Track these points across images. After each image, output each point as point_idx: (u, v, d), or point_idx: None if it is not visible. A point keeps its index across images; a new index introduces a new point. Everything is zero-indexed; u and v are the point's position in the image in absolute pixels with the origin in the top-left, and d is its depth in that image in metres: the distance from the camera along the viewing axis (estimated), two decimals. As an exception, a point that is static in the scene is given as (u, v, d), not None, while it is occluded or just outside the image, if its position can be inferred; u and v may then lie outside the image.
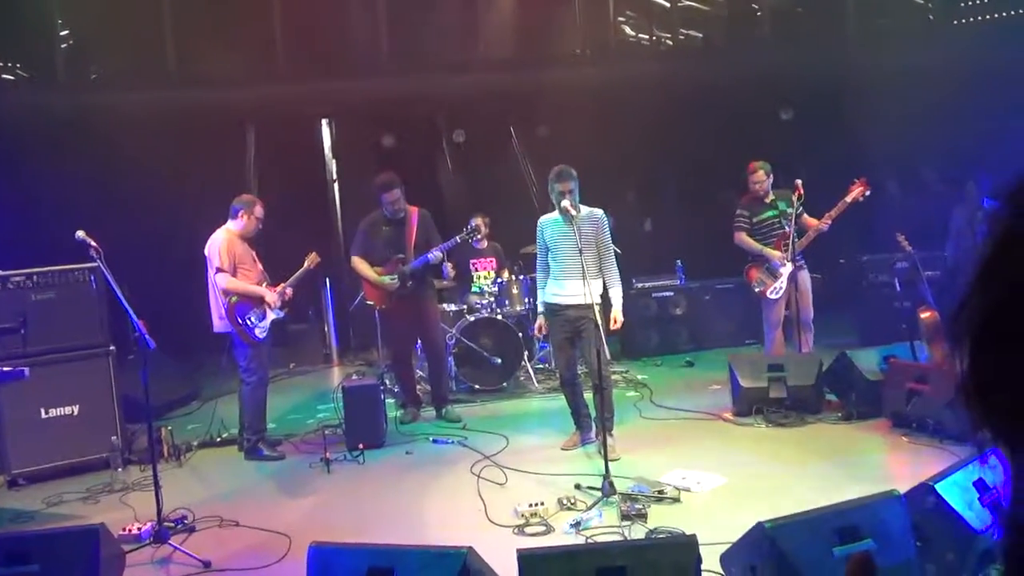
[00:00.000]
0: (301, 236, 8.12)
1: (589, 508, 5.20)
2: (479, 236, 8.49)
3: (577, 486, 5.61)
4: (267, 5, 10.25)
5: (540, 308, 6.54)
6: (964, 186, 9.12)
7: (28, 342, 6.35)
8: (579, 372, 6.73)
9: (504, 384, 8.41)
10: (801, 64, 10.09)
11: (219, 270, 6.52)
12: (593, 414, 6.48)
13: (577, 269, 5.94)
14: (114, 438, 6.52)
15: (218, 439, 7.24)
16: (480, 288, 8.73)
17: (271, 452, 6.82)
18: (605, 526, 4.96)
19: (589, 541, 4.71)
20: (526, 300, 8.55)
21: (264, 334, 6.67)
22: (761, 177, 7.56)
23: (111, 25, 9.52)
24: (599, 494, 5.31)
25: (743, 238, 7.66)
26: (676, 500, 5.31)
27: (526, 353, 8.50)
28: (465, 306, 8.59)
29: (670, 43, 11.43)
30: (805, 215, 7.50)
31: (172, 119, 9.20)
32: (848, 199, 7.32)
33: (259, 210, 6.79)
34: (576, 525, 4.94)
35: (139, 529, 5.16)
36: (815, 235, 7.39)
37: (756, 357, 7.62)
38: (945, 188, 9.83)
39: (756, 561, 3.62)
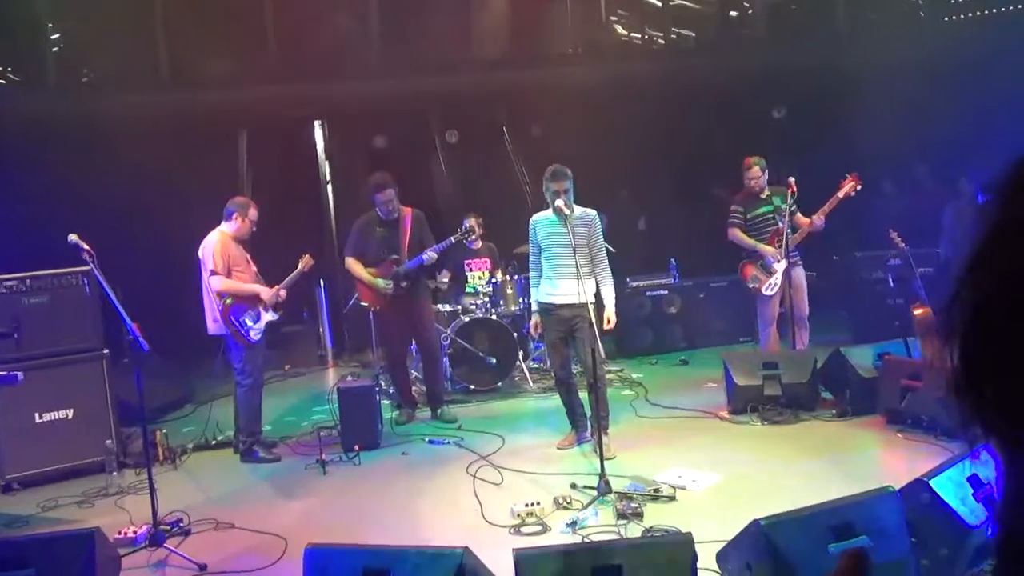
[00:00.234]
0: (294, 238, 8.13)
1: (585, 507, 5.20)
2: (473, 237, 8.49)
3: (573, 485, 5.62)
4: (259, 7, 10.23)
5: (534, 307, 6.54)
6: (956, 182, 9.15)
7: (21, 346, 6.32)
8: (574, 371, 6.74)
9: (499, 384, 8.41)
10: (793, 62, 10.10)
11: (213, 272, 6.51)
12: (588, 413, 6.48)
13: (571, 268, 5.94)
14: (109, 442, 6.50)
15: (213, 442, 7.23)
16: (474, 288, 8.73)
17: (266, 454, 6.82)
18: (601, 525, 4.97)
19: (585, 540, 4.71)
20: (520, 300, 8.55)
21: (259, 336, 6.66)
22: (757, 173, 7.57)
23: (102, 28, 9.50)
24: (595, 493, 5.31)
25: (736, 234, 7.68)
26: (672, 498, 5.32)
27: (521, 353, 8.50)
28: (460, 306, 8.59)
29: (662, 42, 11.44)
30: (799, 214, 7.52)
31: (164, 122, 9.18)
32: (840, 194, 7.35)
33: (253, 212, 6.78)
34: (572, 524, 4.95)
35: (135, 532, 5.15)
36: (809, 231, 7.41)
37: (751, 355, 7.63)
38: (937, 184, 9.86)
39: (752, 558, 3.62)
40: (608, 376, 7.73)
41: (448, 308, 8.59)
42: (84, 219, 6.05)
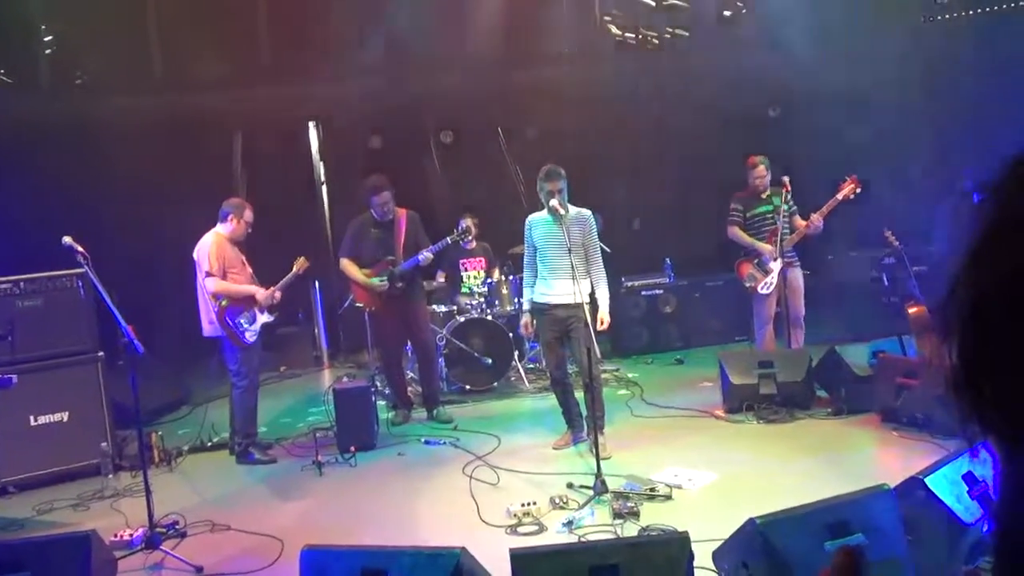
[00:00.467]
0: (289, 239, 8.11)
1: (581, 507, 5.21)
2: (469, 237, 8.49)
3: (569, 485, 5.63)
4: (252, 8, 10.22)
5: (526, 306, 6.54)
6: (950, 181, 9.16)
7: (16, 349, 6.32)
8: (569, 371, 6.74)
9: (495, 384, 8.42)
10: (787, 60, 10.11)
11: (208, 274, 6.50)
12: (584, 413, 6.49)
13: (566, 268, 5.95)
14: (104, 444, 6.50)
15: (209, 444, 7.23)
16: (470, 288, 8.73)
17: (262, 456, 6.81)
18: (597, 524, 4.98)
19: (582, 540, 4.72)
20: (516, 300, 8.55)
21: (254, 337, 6.65)
22: (763, 172, 7.56)
23: (95, 30, 9.46)
24: (591, 493, 5.33)
25: (735, 232, 7.68)
26: (668, 497, 5.33)
27: (516, 353, 8.50)
28: (455, 307, 8.59)
29: (656, 41, 11.44)
30: (797, 217, 7.54)
31: (158, 124, 9.16)
32: (840, 196, 7.36)
33: (248, 214, 6.77)
34: (569, 524, 4.96)
35: (130, 535, 5.14)
36: (806, 231, 7.42)
37: (746, 354, 7.64)
38: (931, 183, 9.87)
39: (748, 557, 3.63)
40: (604, 376, 7.75)
41: (443, 308, 8.59)
42: (78, 221, 6.05)
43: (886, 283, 8.66)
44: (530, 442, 6.81)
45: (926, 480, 3.93)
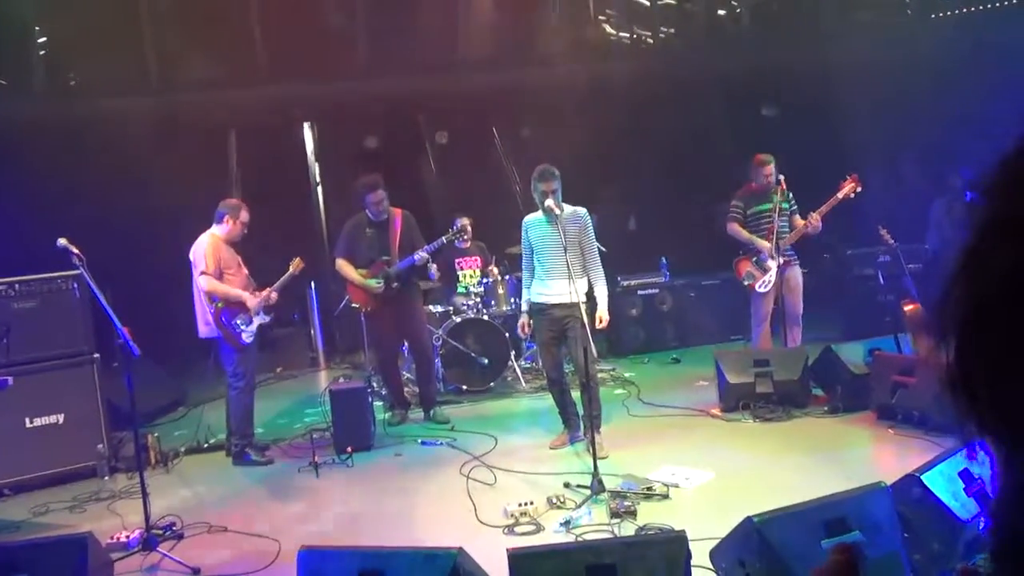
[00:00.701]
0: (285, 240, 8.11)
1: (578, 506, 5.21)
2: (466, 236, 8.49)
3: (566, 485, 5.63)
4: (246, 9, 10.21)
5: (524, 307, 6.54)
6: (944, 178, 9.19)
7: (11, 351, 6.30)
8: (566, 371, 6.74)
9: (492, 384, 8.42)
10: (781, 59, 10.13)
11: (203, 273, 6.48)
12: (581, 412, 6.49)
13: (562, 268, 5.95)
14: (100, 446, 6.49)
15: (205, 445, 7.22)
16: (466, 288, 8.72)
17: (259, 457, 6.80)
18: (595, 524, 4.98)
19: (579, 539, 4.71)
20: (512, 300, 8.56)
21: (251, 338, 6.65)
22: (772, 171, 7.55)
23: (89, 32, 9.45)
24: (588, 492, 5.32)
25: (735, 228, 7.69)
26: (665, 496, 5.33)
27: (513, 353, 8.50)
28: (451, 307, 8.58)
29: (650, 41, 11.46)
30: (797, 216, 7.55)
31: (152, 125, 9.16)
32: (840, 195, 7.38)
33: (245, 215, 6.76)
34: (566, 524, 4.95)
35: (127, 537, 5.13)
36: (804, 230, 7.43)
37: (742, 353, 7.65)
38: (925, 181, 9.90)
39: (745, 555, 3.63)
40: (600, 375, 7.75)
41: (440, 309, 8.59)
42: (73, 223, 6.03)
43: (881, 281, 8.68)
44: (527, 442, 6.81)
45: (922, 477, 3.94)
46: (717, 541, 3.91)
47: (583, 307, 5.80)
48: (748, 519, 3.61)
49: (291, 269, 6.86)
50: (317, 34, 10.27)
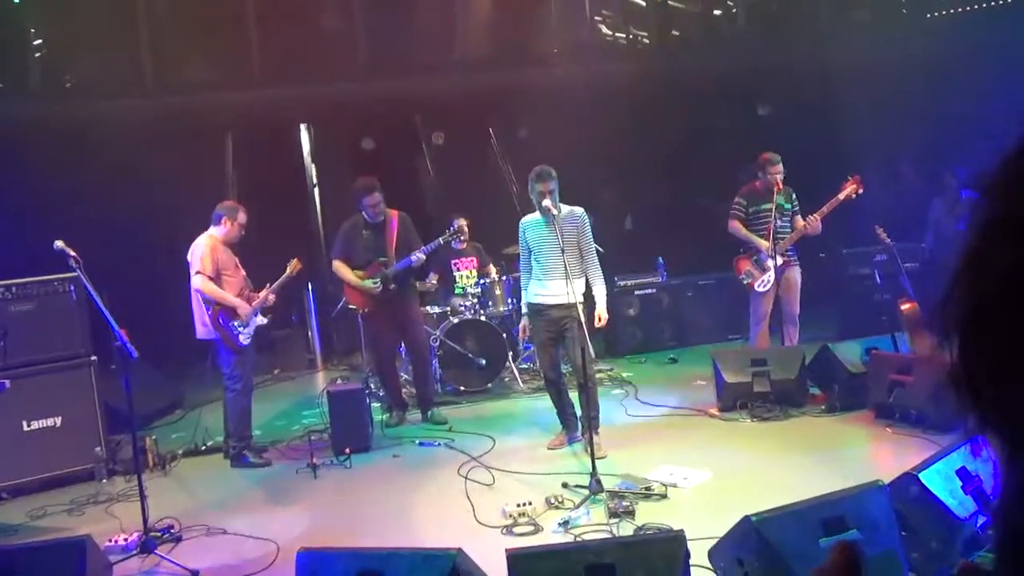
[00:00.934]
0: (282, 241, 8.10)
1: (577, 507, 5.21)
2: (462, 237, 8.49)
3: (564, 485, 5.63)
4: (242, 10, 10.20)
5: (524, 309, 6.55)
6: (941, 177, 9.20)
7: (8, 354, 6.28)
8: (563, 372, 6.74)
9: (489, 385, 8.41)
10: (777, 59, 10.15)
11: (197, 273, 6.47)
12: (579, 412, 6.49)
13: (560, 269, 5.95)
14: (98, 449, 6.48)
15: (203, 447, 7.21)
16: (463, 289, 8.72)
17: (257, 459, 6.80)
18: (593, 524, 4.98)
19: (578, 539, 4.72)
20: (509, 301, 8.56)
21: (248, 340, 6.64)
22: (780, 169, 7.54)
23: (85, 33, 9.44)
24: (586, 492, 5.32)
25: (735, 226, 7.69)
26: (663, 496, 5.33)
27: (510, 354, 8.51)
28: (448, 308, 8.59)
29: (647, 41, 11.47)
30: (798, 217, 7.56)
31: (149, 127, 9.14)
32: (841, 196, 7.39)
33: (242, 216, 6.75)
34: (564, 524, 4.96)
35: (125, 540, 5.12)
36: (804, 231, 7.44)
37: (739, 352, 7.66)
38: (922, 180, 9.91)
39: (744, 555, 3.63)
40: (598, 375, 7.74)
41: (437, 310, 8.59)
42: (70, 225, 6.02)
43: (878, 280, 8.69)
44: (525, 442, 6.81)
45: (920, 476, 3.95)
46: (715, 540, 3.91)
47: (581, 307, 5.81)
48: (746, 518, 3.62)
49: (288, 270, 6.85)
50: (314, 35, 10.28)
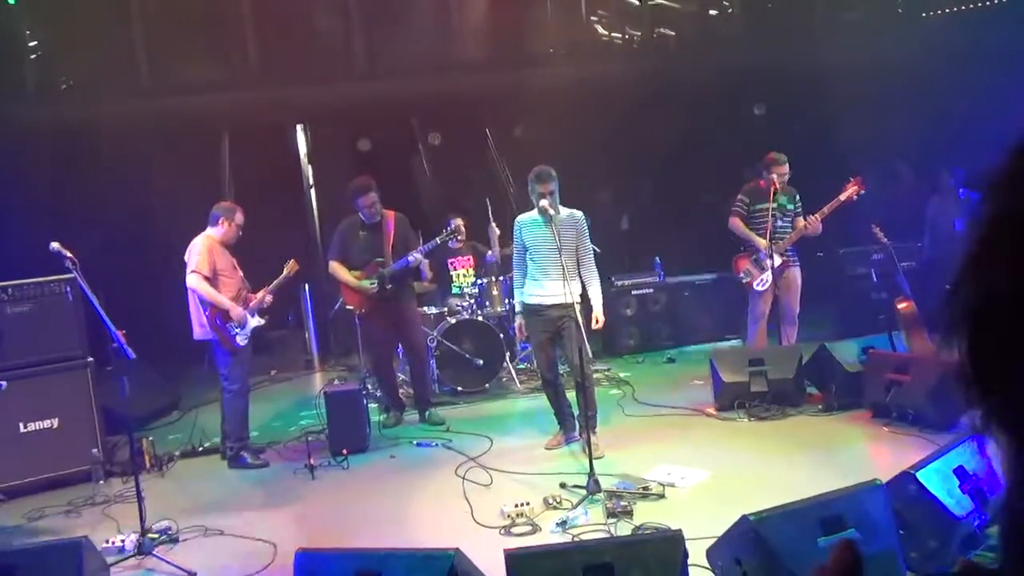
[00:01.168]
0: (279, 242, 8.09)
1: (575, 507, 5.21)
2: (460, 237, 8.49)
3: (562, 485, 5.62)
4: (238, 11, 10.19)
5: (518, 308, 6.53)
6: (938, 176, 9.22)
7: (4, 356, 6.28)
8: (561, 372, 6.74)
9: (487, 385, 8.41)
10: (772, 59, 10.16)
11: (193, 271, 6.45)
12: (576, 413, 6.49)
13: (557, 269, 5.95)
14: (95, 450, 6.46)
15: (200, 448, 7.20)
16: (460, 289, 8.72)
17: (254, 460, 6.79)
18: (591, 524, 4.98)
19: (576, 539, 4.72)
20: (506, 301, 8.55)
21: (245, 341, 6.63)
22: (785, 171, 7.54)
23: (80, 35, 9.43)
24: (584, 492, 5.32)
25: (736, 223, 7.70)
26: (661, 496, 5.33)
27: (508, 354, 8.50)
28: (446, 308, 8.58)
29: (643, 41, 11.47)
30: (800, 217, 7.57)
31: (145, 127, 9.13)
32: (842, 197, 7.40)
33: (239, 217, 6.74)
34: (562, 524, 4.95)
35: (123, 541, 5.12)
36: (803, 232, 7.46)
37: (737, 352, 7.67)
38: (918, 179, 9.93)
39: (742, 554, 3.64)
40: (595, 375, 7.75)
41: (434, 310, 8.58)
42: (66, 227, 6.02)
43: (875, 279, 8.70)
44: (522, 443, 6.81)
45: (917, 475, 3.95)
46: (713, 540, 3.91)
47: (578, 307, 5.80)
48: (744, 518, 3.62)
49: (285, 271, 6.84)
50: (310, 36, 10.27)
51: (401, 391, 8.00)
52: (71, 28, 9.46)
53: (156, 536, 5.18)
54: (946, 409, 5.87)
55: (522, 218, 6.41)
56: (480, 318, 8.41)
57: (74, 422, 6.60)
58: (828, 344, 7.24)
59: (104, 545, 5.01)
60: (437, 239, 7.58)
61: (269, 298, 6.77)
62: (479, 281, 8.72)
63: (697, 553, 3.85)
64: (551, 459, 6.35)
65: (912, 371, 6.32)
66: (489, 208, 8.50)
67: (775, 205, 7.53)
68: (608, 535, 4.75)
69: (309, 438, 6.81)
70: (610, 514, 5.00)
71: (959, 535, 3.89)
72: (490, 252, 8.73)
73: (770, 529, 3.56)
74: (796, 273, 7.66)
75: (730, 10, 11.60)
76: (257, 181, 9.91)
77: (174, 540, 5.27)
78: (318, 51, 10.34)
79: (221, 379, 6.71)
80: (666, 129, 10.21)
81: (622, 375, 8.74)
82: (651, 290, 9.88)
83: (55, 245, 5.24)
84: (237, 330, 6.54)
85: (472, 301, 8.53)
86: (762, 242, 7.50)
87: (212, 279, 6.50)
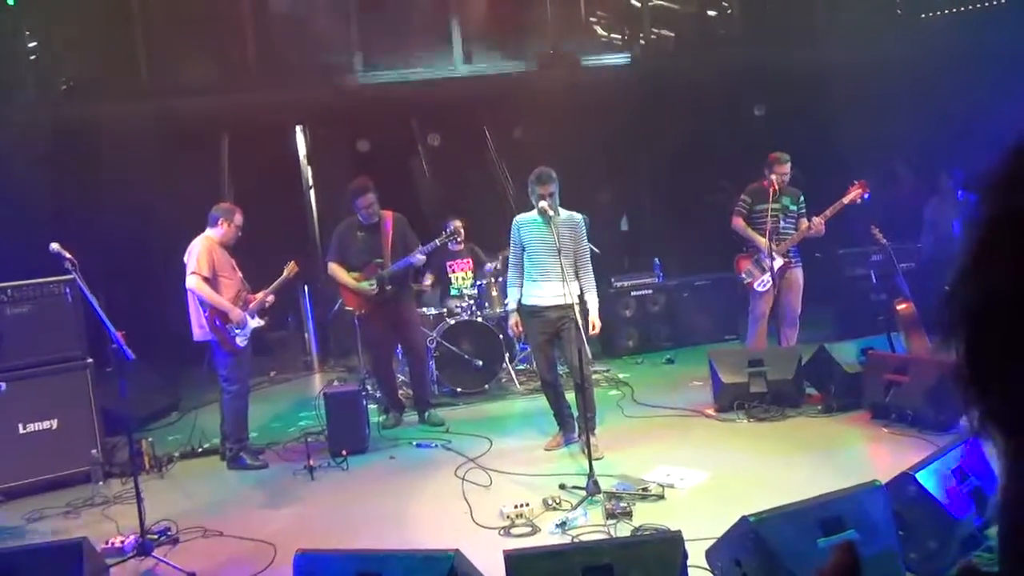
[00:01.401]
0: (279, 243, 8.09)
1: (574, 508, 5.21)
2: (459, 239, 8.49)
3: (562, 486, 5.62)
4: (238, 12, 10.19)
5: (512, 306, 6.52)
6: (937, 177, 9.22)
7: (4, 357, 6.28)
8: (560, 373, 6.74)
9: (486, 386, 8.41)
10: (772, 59, 10.16)
11: (192, 272, 6.45)
12: (575, 414, 6.49)
13: (556, 270, 5.95)
14: (94, 451, 6.46)
15: (199, 449, 7.20)
16: (459, 290, 8.73)
17: (254, 461, 6.79)
18: (591, 525, 4.98)
19: (575, 540, 4.72)
20: (505, 302, 8.55)
21: (245, 342, 6.63)
22: (786, 170, 7.55)
23: (80, 35, 9.42)
24: (584, 493, 5.32)
25: (738, 223, 7.71)
26: (660, 497, 5.34)
27: (507, 355, 8.50)
28: (445, 309, 8.59)
29: (642, 42, 11.47)
30: (803, 219, 7.57)
31: (145, 128, 9.12)
32: (845, 200, 7.41)
33: (239, 218, 6.74)
34: (562, 525, 4.96)
35: (122, 542, 5.12)
36: (806, 233, 7.46)
37: (736, 353, 7.66)
38: (918, 180, 9.93)
39: (741, 555, 3.64)
40: (594, 376, 7.75)
41: (433, 311, 8.58)
42: (66, 228, 6.02)
43: (874, 280, 8.70)
44: (522, 444, 6.81)
45: (916, 476, 3.95)
46: (713, 541, 3.91)
47: (577, 308, 5.81)
48: (744, 519, 3.62)
49: (285, 272, 6.84)
50: (308, 37, 10.26)
51: (400, 392, 8.00)
52: (71, 28, 9.45)
53: (156, 537, 5.19)
54: (945, 410, 5.88)
55: (521, 218, 6.41)
56: (479, 319, 8.41)
57: (73, 423, 6.60)
58: (827, 345, 7.24)
59: (104, 546, 5.01)
60: (437, 241, 7.57)
61: (270, 299, 6.77)
62: (478, 282, 8.72)
63: (696, 554, 3.85)
64: (550, 460, 6.35)
65: (911, 372, 6.32)
66: (459, 226, 8.43)
67: (778, 206, 7.53)
68: (607, 536, 4.75)
69: (308, 439, 6.81)
70: (609, 515, 5.00)
71: (958, 536, 3.89)
72: (489, 264, 8.73)
73: (770, 530, 3.56)
74: (798, 274, 7.66)
75: (730, 11, 11.59)
76: (256, 182, 9.90)
77: (174, 541, 5.27)
78: (317, 52, 10.34)
79: (220, 380, 6.71)
80: (666, 130, 10.21)
81: (621, 376, 8.74)
82: (650, 291, 9.88)
83: (55, 246, 5.24)
84: (237, 331, 6.54)
85: (471, 302, 8.54)
86: (763, 241, 7.50)
87: (212, 280, 6.50)
